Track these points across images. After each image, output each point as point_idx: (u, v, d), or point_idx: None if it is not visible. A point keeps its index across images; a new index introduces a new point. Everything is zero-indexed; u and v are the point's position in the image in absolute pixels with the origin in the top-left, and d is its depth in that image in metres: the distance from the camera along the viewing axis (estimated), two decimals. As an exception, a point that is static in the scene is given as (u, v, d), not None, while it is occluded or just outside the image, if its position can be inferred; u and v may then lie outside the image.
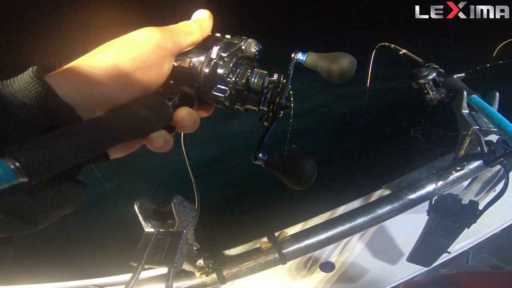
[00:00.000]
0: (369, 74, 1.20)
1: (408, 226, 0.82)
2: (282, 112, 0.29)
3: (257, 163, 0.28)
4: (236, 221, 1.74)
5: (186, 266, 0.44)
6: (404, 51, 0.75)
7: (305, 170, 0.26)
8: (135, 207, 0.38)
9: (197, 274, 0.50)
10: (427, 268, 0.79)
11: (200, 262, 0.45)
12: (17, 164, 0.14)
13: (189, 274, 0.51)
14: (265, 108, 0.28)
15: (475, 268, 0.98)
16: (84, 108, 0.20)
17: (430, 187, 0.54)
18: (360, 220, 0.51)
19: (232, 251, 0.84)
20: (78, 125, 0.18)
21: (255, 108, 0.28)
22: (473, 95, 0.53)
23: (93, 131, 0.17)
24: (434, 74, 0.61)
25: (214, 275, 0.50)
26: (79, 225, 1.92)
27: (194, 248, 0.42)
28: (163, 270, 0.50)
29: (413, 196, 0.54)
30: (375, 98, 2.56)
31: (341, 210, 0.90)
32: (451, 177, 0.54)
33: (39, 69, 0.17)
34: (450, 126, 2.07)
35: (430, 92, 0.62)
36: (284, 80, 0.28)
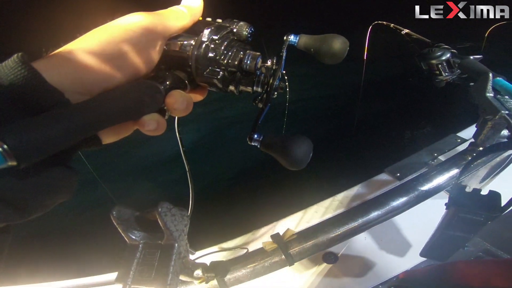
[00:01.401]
0: (365, 51, 1.14)
1: (411, 216, 0.80)
2: (276, 93, 0.29)
3: (253, 144, 0.27)
4: (231, 209, 1.71)
5: (183, 277, 0.39)
6: (406, 30, 0.68)
7: (301, 150, 0.26)
8: (112, 217, 0.30)
9: (196, 282, 0.45)
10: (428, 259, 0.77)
11: (198, 273, 0.39)
12: (5, 146, 0.14)
13: (187, 283, 0.46)
14: (259, 89, 0.28)
15: (470, 253, 0.99)
16: (73, 92, 0.19)
17: (446, 176, 0.50)
18: (374, 214, 0.46)
19: (229, 244, 0.80)
20: (67, 108, 0.17)
21: (249, 90, 0.28)
22: (498, 78, 0.48)
23: (83, 113, 0.17)
24: (448, 55, 0.56)
25: (215, 282, 0.45)
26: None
27: (190, 255, 0.36)
28: None
29: (428, 187, 0.49)
30: (372, 82, 2.52)
31: (342, 195, 0.86)
32: (471, 166, 0.49)
33: (24, 55, 0.17)
34: (449, 107, 2.06)
35: (443, 73, 0.57)
36: (277, 62, 0.28)
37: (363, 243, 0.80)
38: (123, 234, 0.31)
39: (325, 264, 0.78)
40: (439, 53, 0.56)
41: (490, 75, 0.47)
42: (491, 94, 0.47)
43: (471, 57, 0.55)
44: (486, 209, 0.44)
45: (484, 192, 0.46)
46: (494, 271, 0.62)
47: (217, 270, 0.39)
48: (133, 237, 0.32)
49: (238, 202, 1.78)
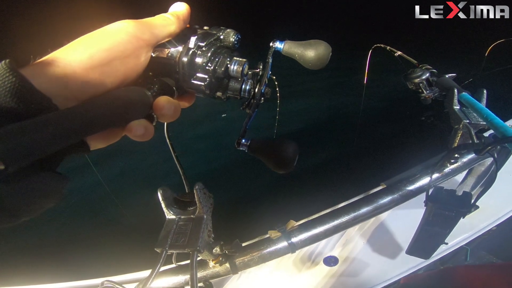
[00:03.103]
0: (366, 72, 1.25)
1: (407, 221, 0.86)
2: (263, 98, 0.30)
3: (241, 148, 0.28)
4: (228, 219, 1.74)
5: (203, 255, 0.47)
6: (399, 53, 0.80)
7: (287, 153, 0.27)
8: (158, 194, 0.41)
9: (211, 263, 0.53)
10: (428, 263, 0.82)
11: (217, 249, 0.47)
12: None
13: (202, 264, 0.54)
14: (246, 95, 0.29)
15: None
16: (61, 98, 0.20)
17: (426, 180, 0.59)
18: (364, 210, 0.55)
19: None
20: (55, 113, 0.18)
21: (236, 96, 0.29)
22: (463, 93, 0.59)
23: (70, 118, 0.17)
24: (427, 74, 0.67)
25: (227, 265, 0.53)
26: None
27: (212, 236, 0.45)
28: (183, 261, 0.52)
29: (411, 187, 0.58)
30: (372, 98, 2.58)
31: (341, 206, 0.93)
32: (446, 170, 0.59)
33: (12, 62, 0.18)
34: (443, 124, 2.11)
35: (424, 91, 0.67)
36: (263, 68, 0.29)
37: (363, 247, 0.86)
38: (164, 209, 0.41)
39: (326, 267, 0.83)
40: (419, 73, 0.66)
41: (455, 90, 0.57)
42: (457, 107, 0.57)
43: (447, 76, 0.66)
44: (458, 206, 0.52)
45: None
46: (494, 275, 0.67)
47: (232, 245, 0.47)
48: (171, 212, 0.42)
49: (234, 212, 1.81)
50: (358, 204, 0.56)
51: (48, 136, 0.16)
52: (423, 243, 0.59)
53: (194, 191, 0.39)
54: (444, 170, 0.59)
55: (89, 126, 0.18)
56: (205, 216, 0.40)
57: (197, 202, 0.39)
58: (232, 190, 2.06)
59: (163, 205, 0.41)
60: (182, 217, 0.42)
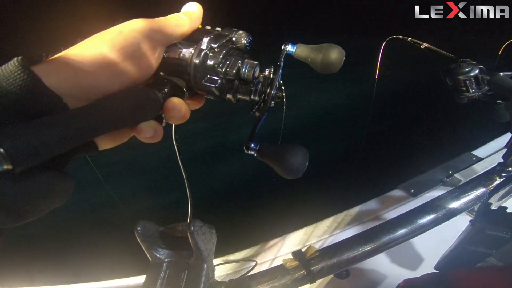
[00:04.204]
0: (378, 67, 1.14)
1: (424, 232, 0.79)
2: (273, 102, 0.29)
3: (250, 152, 0.27)
4: (236, 221, 1.67)
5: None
6: (426, 44, 0.67)
7: (297, 159, 0.26)
8: (136, 233, 0.28)
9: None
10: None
11: (220, 292, 0.36)
12: (1, 150, 0.14)
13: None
14: (256, 98, 0.28)
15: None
16: (71, 97, 0.19)
17: (473, 195, 0.48)
18: (401, 231, 0.45)
19: (236, 256, 0.77)
20: (65, 113, 0.17)
21: (247, 98, 0.28)
22: None
23: (80, 119, 0.17)
24: (477, 71, 0.54)
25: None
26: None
27: (213, 276, 0.33)
28: None
29: (455, 205, 0.48)
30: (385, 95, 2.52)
31: (356, 210, 0.85)
32: (495, 183, 0.49)
33: (24, 59, 0.17)
34: (464, 124, 2.05)
35: (470, 90, 0.55)
36: (275, 71, 0.29)
37: (375, 259, 0.78)
38: (147, 252, 0.29)
39: (337, 279, 0.75)
40: (467, 69, 0.54)
41: None
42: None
43: (501, 74, 0.54)
44: (514, 228, 0.42)
45: (510, 209, 0.45)
46: (495, 278, 0.61)
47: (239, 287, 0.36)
48: (157, 255, 0.29)
49: (244, 213, 1.75)
50: (393, 225, 0.46)
51: (58, 137, 0.16)
52: (458, 261, 0.50)
53: (189, 235, 0.26)
54: (494, 184, 0.49)
55: (99, 126, 0.18)
56: (205, 265, 0.28)
57: (193, 248, 0.27)
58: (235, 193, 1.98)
59: (144, 247, 0.29)
60: (173, 260, 0.30)
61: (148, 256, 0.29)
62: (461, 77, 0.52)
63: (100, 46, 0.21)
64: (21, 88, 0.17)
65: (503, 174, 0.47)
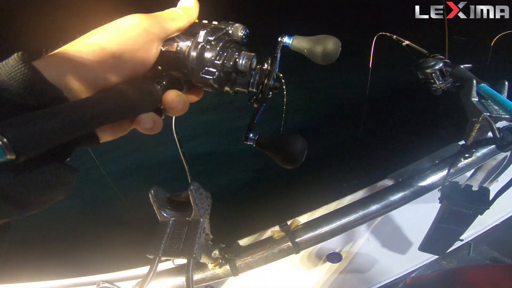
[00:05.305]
0: (371, 61, 1.21)
1: (412, 216, 0.83)
2: (271, 93, 0.30)
3: (249, 143, 0.28)
4: (237, 211, 1.73)
5: (202, 258, 0.44)
6: (407, 42, 0.75)
7: (295, 148, 0.26)
8: (150, 195, 0.36)
9: (210, 266, 0.49)
10: (431, 259, 0.80)
11: (216, 253, 0.44)
12: (5, 140, 0.14)
13: (201, 266, 0.51)
14: (254, 90, 0.29)
15: (476, 260, 0.99)
16: (71, 90, 0.20)
17: (440, 174, 0.55)
18: (373, 207, 0.51)
19: (241, 242, 0.84)
20: (65, 104, 0.18)
21: (244, 90, 0.29)
22: (482, 84, 0.54)
23: (81, 109, 0.18)
24: (441, 64, 0.62)
25: (227, 267, 0.49)
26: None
27: (210, 237, 0.41)
28: (178, 261, 0.49)
29: (424, 183, 0.54)
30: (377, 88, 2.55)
31: (348, 200, 0.90)
32: (460, 164, 0.55)
33: (25, 54, 0.18)
34: (452, 116, 2.08)
35: (437, 82, 0.63)
36: (272, 62, 0.29)
37: (366, 244, 0.83)
38: (156, 212, 0.37)
39: (329, 263, 0.81)
40: (432, 63, 0.62)
41: (474, 81, 0.53)
42: (476, 99, 0.52)
43: (462, 66, 0.61)
44: (475, 203, 0.48)
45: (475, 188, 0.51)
46: (501, 275, 0.64)
47: (231, 249, 0.44)
48: (165, 214, 0.37)
49: (242, 204, 1.81)
50: (367, 201, 0.52)
51: (58, 126, 0.16)
52: (437, 240, 0.56)
53: (189, 192, 0.34)
54: (458, 165, 0.55)
55: (99, 118, 0.18)
56: (201, 220, 0.36)
57: (192, 204, 0.35)
58: (232, 182, 2.04)
59: (155, 207, 0.37)
60: (177, 219, 0.38)
61: (157, 215, 0.37)
62: (428, 71, 0.59)
63: (99, 40, 0.22)
64: (22, 82, 0.17)
65: (466, 155, 0.53)
